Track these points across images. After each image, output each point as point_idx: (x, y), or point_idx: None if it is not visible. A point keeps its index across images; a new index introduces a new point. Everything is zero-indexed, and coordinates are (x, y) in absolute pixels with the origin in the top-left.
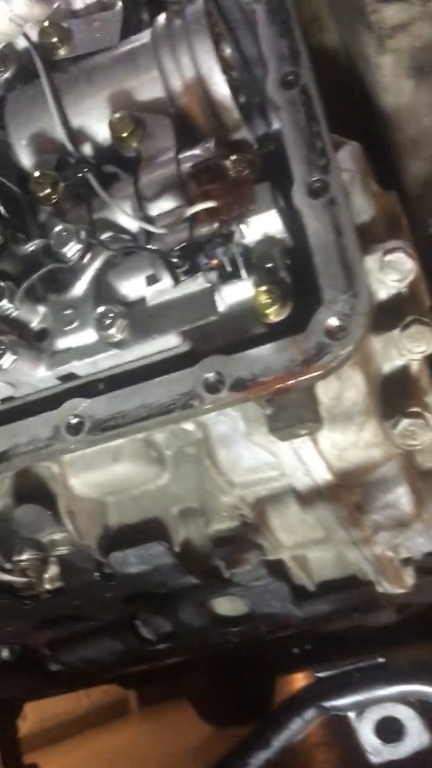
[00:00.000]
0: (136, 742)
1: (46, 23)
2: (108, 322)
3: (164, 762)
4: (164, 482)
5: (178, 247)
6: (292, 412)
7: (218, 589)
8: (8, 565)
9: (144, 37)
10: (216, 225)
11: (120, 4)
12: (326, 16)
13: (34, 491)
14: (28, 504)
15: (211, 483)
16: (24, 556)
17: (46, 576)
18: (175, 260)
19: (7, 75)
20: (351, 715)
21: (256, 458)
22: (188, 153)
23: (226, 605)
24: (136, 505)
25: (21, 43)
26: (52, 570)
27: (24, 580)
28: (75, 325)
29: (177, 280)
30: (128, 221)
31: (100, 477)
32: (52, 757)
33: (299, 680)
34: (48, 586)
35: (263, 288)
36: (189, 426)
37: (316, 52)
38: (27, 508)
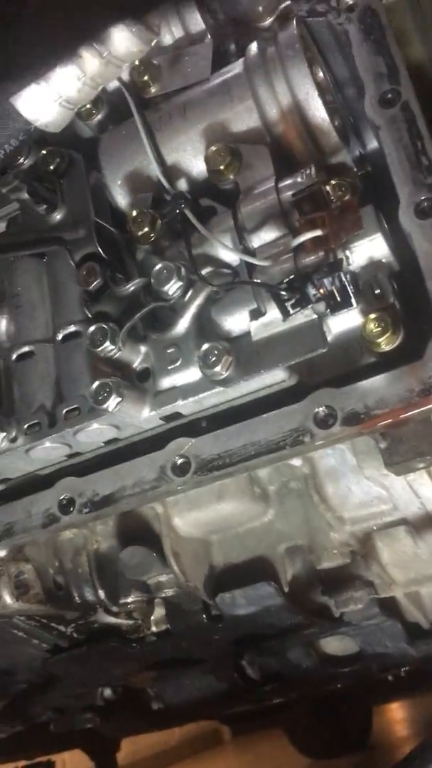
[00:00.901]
0: None
1: (137, 62)
2: (213, 359)
3: None
4: (269, 519)
5: (286, 280)
6: (409, 445)
7: (328, 629)
8: (115, 608)
9: (236, 67)
10: (322, 253)
11: (209, 37)
12: (411, 29)
13: (138, 532)
14: (133, 546)
15: (319, 519)
16: (130, 599)
17: (152, 618)
18: (284, 294)
19: (99, 117)
20: None
21: (367, 492)
22: (288, 181)
23: (335, 644)
24: (241, 543)
25: (112, 84)
26: (158, 612)
27: (130, 622)
28: (178, 363)
29: (287, 314)
30: (229, 255)
31: (204, 516)
32: None
33: (395, 709)
34: (154, 629)
35: (372, 316)
36: (295, 461)
37: None
38: (133, 550)
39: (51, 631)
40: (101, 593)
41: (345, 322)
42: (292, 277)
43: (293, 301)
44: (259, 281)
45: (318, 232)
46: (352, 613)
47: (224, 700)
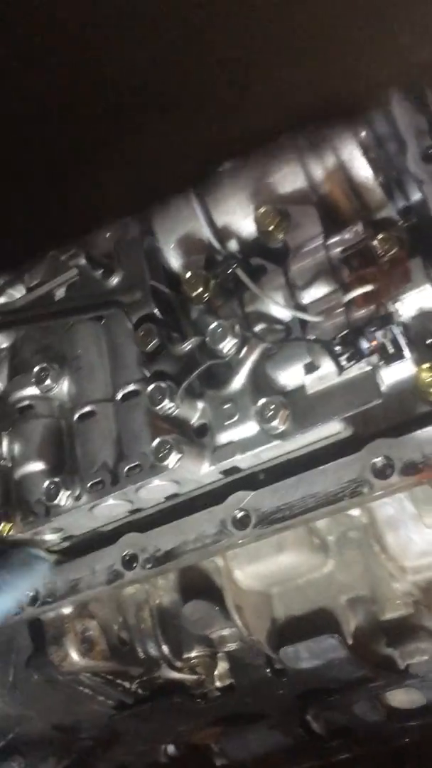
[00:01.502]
0: None
1: None
2: (270, 413)
3: None
4: (329, 570)
5: (339, 335)
6: None
7: (394, 682)
8: (178, 663)
9: None
10: (372, 307)
11: None
12: None
13: (200, 586)
14: (196, 600)
15: (381, 569)
16: (193, 653)
17: (216, 673)
18: (338, 348)
19: None
20: None
21: (428, 541)
22: (336, 238)
23: (401, 697)
24: (302, 595)
25: None
26: (222, 667)
27: (194, 677)
28: (235, 418)
29: (342, 368)
30: (281, 311)
31: (264, 568)
32: None
33: None
34: (218, 683)
35: (425, 365)
36: (354, 511)
37: None
38: (195, 605)
39: (116, 687)
40: (164, 648)
41: (398, 372)
42: (346, 332)
43: (347, 354)
44: (313, 337)
45: (369, 287)
46: (418, 664)
47: (290, 756)
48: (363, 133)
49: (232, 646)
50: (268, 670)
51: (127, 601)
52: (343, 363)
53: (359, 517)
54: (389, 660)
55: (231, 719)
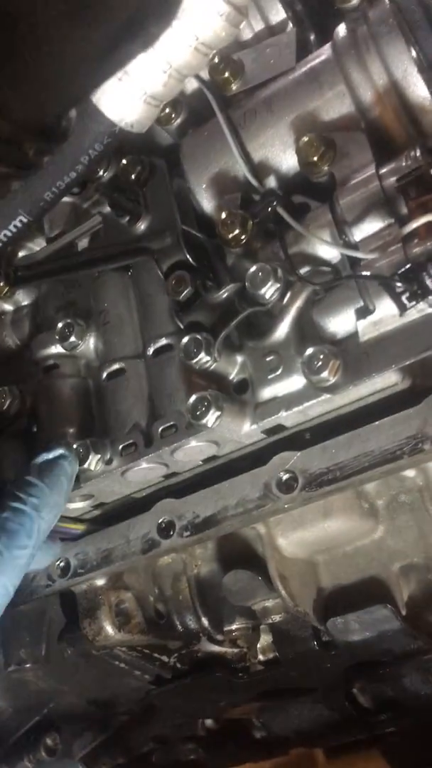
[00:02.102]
0: None
1: (216, 59)
2: (319, 364)
3: None
4: (380, 536)
5: (400, 271)
6: None
7: None
8: (219, 636)
9: (324, 53)
10: None
11: (291, 25)
12: None
13: (240, 555)
14: (237, 570)
15: None
16: (235, 626)
17: (259, 646)
18: (399, 285)
19: (179, 121)
20: None
21: None
22: (390, 166)
23: None
24: (350, 563)
25: (189, 86)
26: (264, 639)
27: (235, 651)
28: (279, 372)
29: (404, 308)
30: (329, 252)
31: (310, 535)
32: None
33: None
34: (261, 657)
35: None
36: (409, 472)
37: None
38: (236, 574)
39: (153, 661)
40: (204, 621)
41: None
42: (408, 266)
43: (409, 293)
44: (369, 274)
45: (431, 217)
46: None
47: (334, 730)
48: (414, 53)
49: (276, 618)
50: (314, 643)
51: (164, 571)
52: (405, 303)
53: (414, 479)
54: None
55: (273, 693)
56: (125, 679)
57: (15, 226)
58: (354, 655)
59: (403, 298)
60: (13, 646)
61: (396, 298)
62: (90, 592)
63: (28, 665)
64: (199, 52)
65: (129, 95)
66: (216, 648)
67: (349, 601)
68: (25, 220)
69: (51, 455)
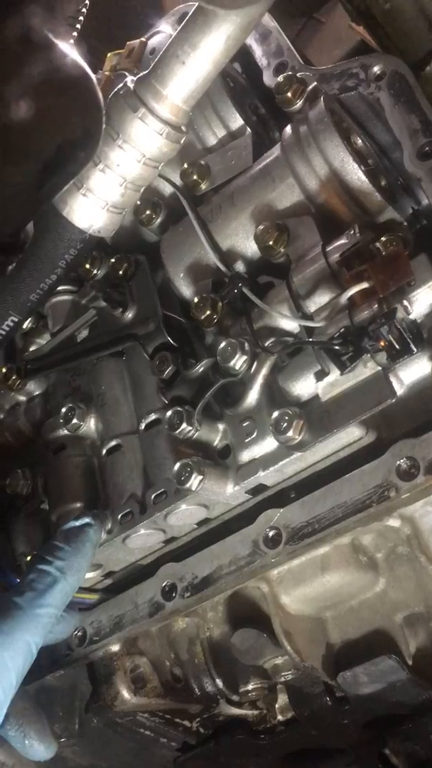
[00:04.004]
0: None
1: (185, 165)
2: (285, 425)
3: None
4: (381, 588)
5: (337, 335)
6: None
7: None
8: (235, 697)
9: (275, 151)
10: (375, 306)
11: (249, 130)
12: None
13: (248, 615)
14: (243, 629)
15: None
16: (250, 686)
17: (277, 706)
18: (337, 348)
19: (159, 220)
20: None
21: None
22: (335, 244)
23: None
24: (356, 617)
25: (167, 189)
26: (282, 699)
27: (255, 712)
28: (254, 435)
29: (343, 368)
30: (288, 323)
31: (311, 591)
32: None
33: None
34: (280, 717)
35: None
36: (394, 522)
37: None
38: (243, 633)
39: (176, 727)
40: (219, 682)
41: (417, 371)
42: (342, 330)
43: (349, 355)
44: (311, 340)
45: (365, 285)
46: None
47: None
48: (359, 142)
49: (287, 675)
50: (327, 699)
51: (179, 636)
52: (346, 363)
53: (401, 529)
54: None
55: (302, 755)
56: (153, 747)
57: (8, 326)
58: (368, 710)
59: (345, 359)
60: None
61: (336, 359)
62: (106, 659)
63: (63, 740)
64: (149, 166)
65: (93, 206)
66: (236, 710)
67: (357, 654)
68: (16, 319)
69: (78, 523)
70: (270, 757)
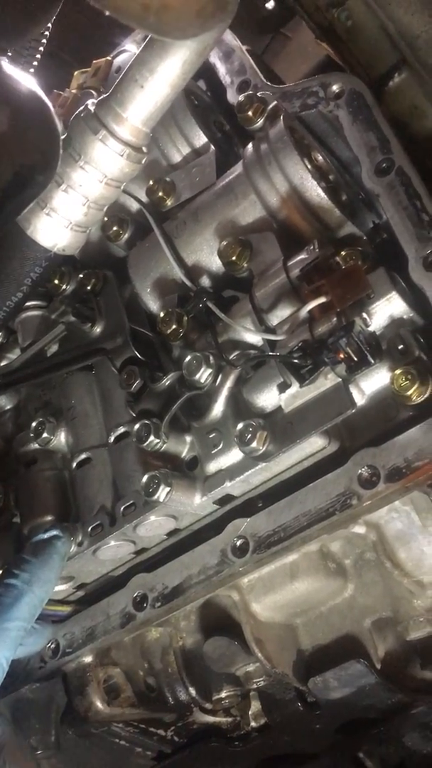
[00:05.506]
0: None
1: (151, 182)
2: (249, 436)
3: None
4: (350, 594)
5: (296, 348)
6: None
7: None
8: (208, 705)
9: (237, 168)
10: (334, 319)
11: (212, 148)
12: (424, 103)
13: (220, 623)
14: (214, 638)
15: (399, 587)
16: (223, 694)
17: (251, 713)
18: (296, 361)
19: (127, 236)
20: None
21: None
22: (295, 259)
23: None
24: (326, 623)
25: (134, 205)
26: (255, 706)
27: (229, 719)
28: (221, 446)
29: (302, 380)
30: (252, 336)
31: (281, 598)
32: None
33: None
34: (254, 724)
35: (398, 371)
36: (359, 529)
37: (421, 138)
38: (214, 641)
39: (151, 736)
40: (192, 690)
41: (376, 381)
42: (300, 344)
43: (309, 367)
44: (272, 353)
45: (323, 299)
46: None
47: None
48: (320, 158)
49: (259, 682)
50: (299, 704)
51: (152, 645)
52: (305, 375)
53: (367, 535)
54: (429, 683)
55: (278, 762)
56: (130, 758)
57: None
58: (339, 714)
59: (304, 372)
60: (24, 734)
61: (296, 372)
62: (79, 670)
63: (39, 752)
64: (111, 186)
65: (57, 226)
66: (210, 718)
67: (327, 660)
68: None
69: (46, 535)
70: (245, 764)
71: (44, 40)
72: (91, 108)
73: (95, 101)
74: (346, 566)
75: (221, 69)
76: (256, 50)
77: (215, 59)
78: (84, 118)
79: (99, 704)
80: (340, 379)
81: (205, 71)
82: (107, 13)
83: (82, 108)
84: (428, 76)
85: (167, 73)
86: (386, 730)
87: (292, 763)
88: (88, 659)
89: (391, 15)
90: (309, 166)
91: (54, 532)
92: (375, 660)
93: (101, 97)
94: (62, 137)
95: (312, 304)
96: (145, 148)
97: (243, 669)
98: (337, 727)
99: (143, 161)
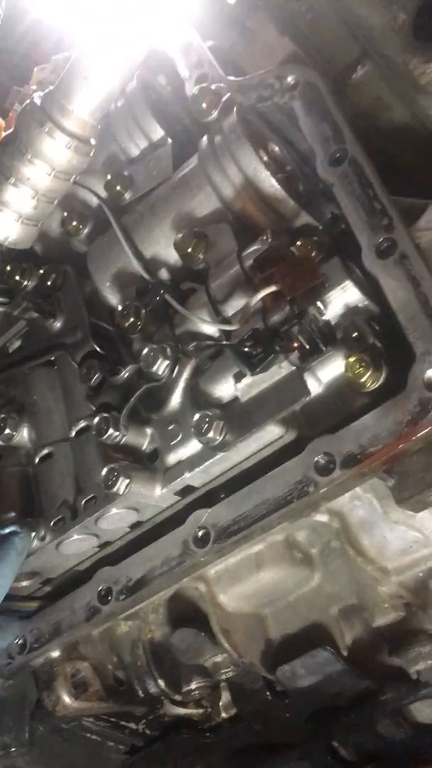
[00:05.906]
0: None
1: (109, 177)
2: (205, 427)
3: None
4: (317, 582)
5: (247, 336)
6: (416, 478)
7: (409, 693)
8: (178, 697)
9: (192, 161)
10: (287, 308)
11: (169, 140)
12: (389, 95)
13: (188, 615)
14: (182, 629)
15: (363, 574)
16: (193, 685)
17: (221, 704)
18: (247, 350)
19: (87, 231)
20: None
21: (403, 538)
22: (249, 250)
23: (427, 711)
24: (293, 612)
25: (93, 200)
26: (226, 697)
27: (200, 711)
28: (180, 438)
29: (253, 369)
30: (208, 327)
31: (247, 588)
32: None
33: None
34: (224, 714)
35: (352, 359)
36: (323, 518)
37: (388, 130)
38: (182, 633)
39: (122, 730)
40: (161, 683)
41: (333, 370)
42: (251, 332)
43: (260, 356)
44: (224, 342)
45: (273, 288)
46: (427, 671)
47: None
48: (276, 149)
49: (228, 673)
50: (268, 693)
51: (121, 639)
52: (255, 363)
53: (330, 524)
54: (397, 670)
55: (252, 752)
56: (101, 751)
57: None
58: (309, 703)
59: (255, 360)
60: None
61: (246, 361)
62: (47, 665)
63: (13, 749)
64: (59, 179)
65: (7, 219)
66: (181, 710)
67: (295, 648)
68: None
69: (5, 531)
70: (217, 755)
71: None
72: (37, 101)
73: (41, 94)
74: (312, 555)
75: (180, 62)
76: (222, 45)
77: (175, 52)
78: (30, 111)
79: (66, 699)
80: (294, 368)
81: (165, 65)
82: None
83: (27, 101)
84: (388, 68)
85: (112, 65)
86: (358, 718)
87: (265, 752)
88: (56, 654)
89: (347, 7)
90: (264, 158)
91: (12, 528)
92: (342, 647)
93: (46, 90)
94: (9, 132)
95: (263, 293)
96: (93, 140)
97: (211, 660)
98: (309, 716)
99: (91, 153)
